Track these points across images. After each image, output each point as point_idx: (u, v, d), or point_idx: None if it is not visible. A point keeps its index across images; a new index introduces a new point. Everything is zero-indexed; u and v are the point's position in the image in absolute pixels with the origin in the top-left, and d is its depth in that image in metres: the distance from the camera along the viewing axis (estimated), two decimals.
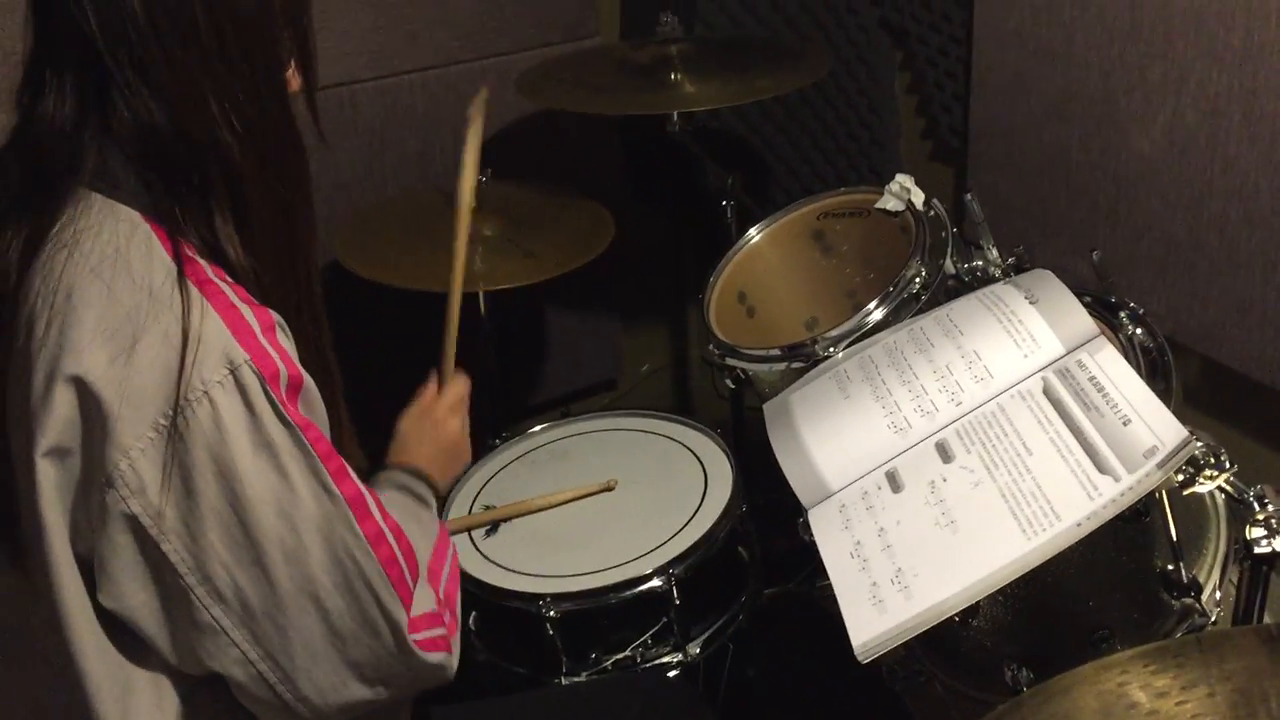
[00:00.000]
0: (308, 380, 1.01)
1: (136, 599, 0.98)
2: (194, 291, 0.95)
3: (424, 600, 1.11)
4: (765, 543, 1.75)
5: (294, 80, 1.07)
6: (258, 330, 0.97)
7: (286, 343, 1.01)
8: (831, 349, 1.41)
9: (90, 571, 0.98)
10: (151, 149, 0.97)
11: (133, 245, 0.96)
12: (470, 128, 1.43)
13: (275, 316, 1.01)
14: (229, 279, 1.00)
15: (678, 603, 1.52)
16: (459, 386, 1.44)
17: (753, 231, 1.72)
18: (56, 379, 0.93)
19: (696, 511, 1.63)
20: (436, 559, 1.20)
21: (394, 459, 1.33)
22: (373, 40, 2.09)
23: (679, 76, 1.94)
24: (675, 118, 1.96)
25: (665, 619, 1.54)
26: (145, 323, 0.93)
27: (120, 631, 1.00)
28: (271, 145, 1.03)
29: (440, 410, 1.40)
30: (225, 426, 0.93)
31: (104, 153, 0.98)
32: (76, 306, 0.94)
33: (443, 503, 1.68)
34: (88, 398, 0.92)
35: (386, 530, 1.04)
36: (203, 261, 0.99)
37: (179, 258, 0.96)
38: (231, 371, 0.94)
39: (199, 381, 0.92)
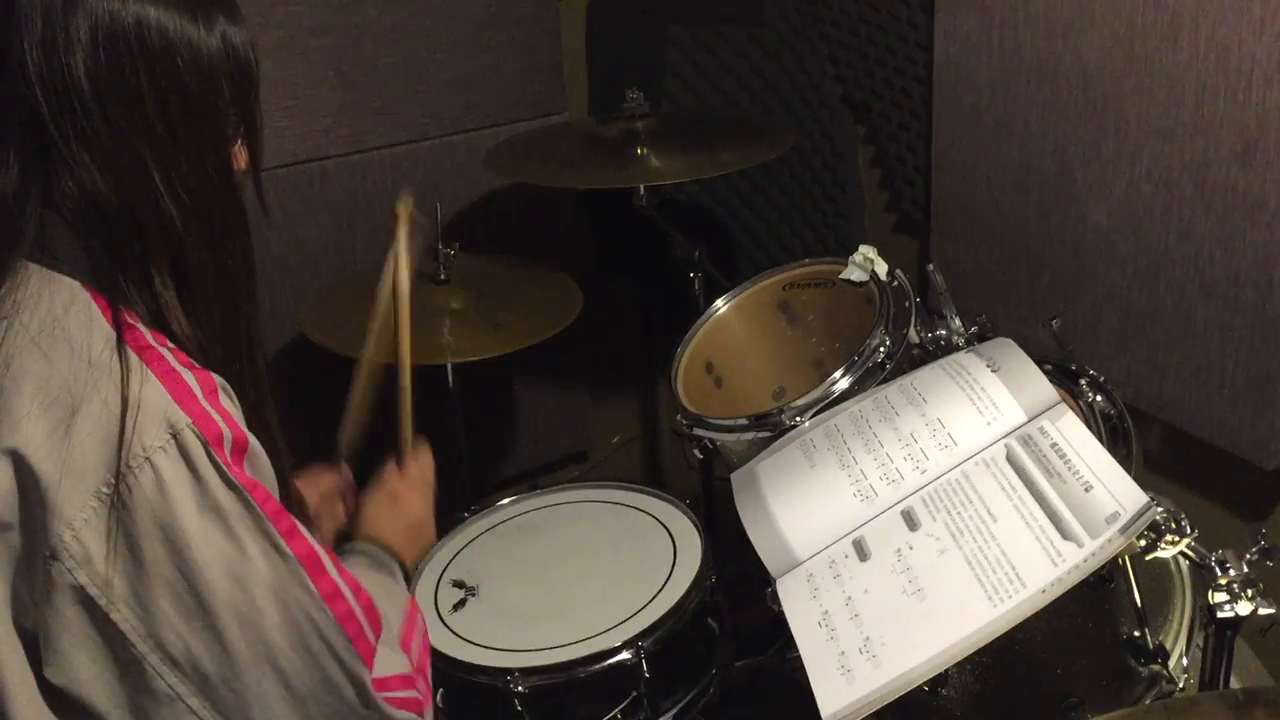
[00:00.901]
0: (253, 441, 1.00)
1: (87, 673, 0.96)
2: (133, 358, 0.94)
3: (394, 662, 1.10)
4: (736, 614, 1.74)
5: (240, 157, 1.08)
6: (199, 393, 0.97)
7: (230, 405, 1.00)
8: (798, 418, 1.42)
9: (35, 648, 0.96)
10: (94, 218, 0.97)
11: (71, 314, 0.96)
12: (399, 226, 1.53)
13: (217, 379, 1.00)
14: (170, 345, 1.00)
15: (647, 675, 1.51)
16: (421, 463, 1.43)
17: (720, 302, 1.73)
18: None
19: (666, 583, 1.62)
20: (407, 630, 1.18)
21: (359, 534, 1.32)
22: (342, 117, 2.12)
23: (645, 151, 1.97)
24: (642, 191, 1.98)
25: (635, 692, 1.52)
26: (84, 391, 0.93)
27: (68, 709, 0.97)
28: (215, 217, 1.04)
29: (402, 488, 1.39)
30: (169, 491, 0.93)
31: (45, 223, 0.98)
32: (16, 377, 0.94)
33: (409, 577, 1.67)
34: (25, 472, 0.91)
35: (344, 586, 1.03)
36: (143, 328, 0.99)
37: (119, 325, 0.96)
38: (174, 436, 0.93)
39: (140, 448, 0.92)
